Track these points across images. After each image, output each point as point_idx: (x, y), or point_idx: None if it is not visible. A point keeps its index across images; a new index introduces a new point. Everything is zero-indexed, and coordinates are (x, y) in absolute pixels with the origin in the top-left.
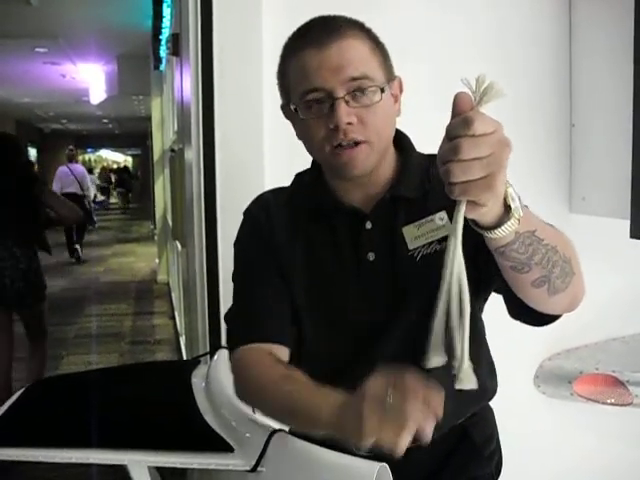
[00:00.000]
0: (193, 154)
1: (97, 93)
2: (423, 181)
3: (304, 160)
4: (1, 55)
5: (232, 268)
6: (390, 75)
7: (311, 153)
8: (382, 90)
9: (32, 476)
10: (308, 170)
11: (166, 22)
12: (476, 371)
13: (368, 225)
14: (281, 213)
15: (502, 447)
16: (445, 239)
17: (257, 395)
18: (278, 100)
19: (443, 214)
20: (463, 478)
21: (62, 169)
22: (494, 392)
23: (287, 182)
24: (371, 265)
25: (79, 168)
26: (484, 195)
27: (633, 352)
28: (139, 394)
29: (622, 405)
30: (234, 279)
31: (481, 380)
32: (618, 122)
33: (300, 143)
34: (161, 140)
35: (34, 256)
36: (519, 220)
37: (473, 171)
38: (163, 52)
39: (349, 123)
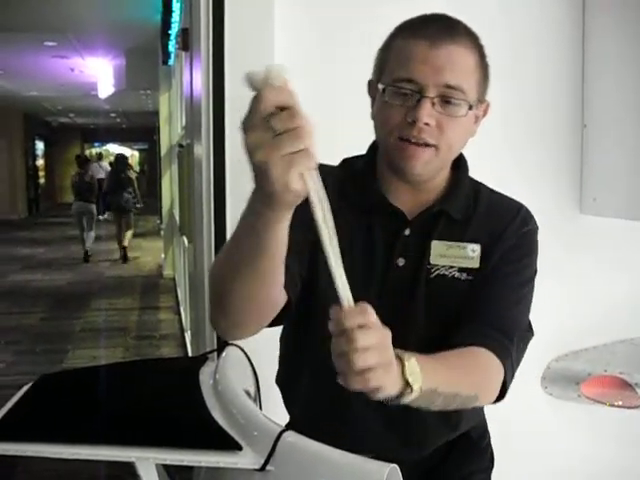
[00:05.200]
0: (203, 149)
1: (105, 87)
2: (469, 206)
3: None
4: (10, 48)
5: None
6: (482, 96)
7: (379, 137)
8: (470, 107)
9: (37, 469)
10: (359, 159)
11: (175, 17)
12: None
13: (407, 232)
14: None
15: (507, 447)
16: (466, 270)
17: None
18: None
19: (477, 247)
20: (463, 472)
21: (94, 164)
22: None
23: None
24: (399, 270)
25: (104, 163)
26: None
27: None
28: (147, 390)
29: (630, 407)
30: None
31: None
32: (630, 123)
33: None
34: (168, 135)
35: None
36: (420, 388)
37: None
38: (172, 47)
39: (426, 124)
